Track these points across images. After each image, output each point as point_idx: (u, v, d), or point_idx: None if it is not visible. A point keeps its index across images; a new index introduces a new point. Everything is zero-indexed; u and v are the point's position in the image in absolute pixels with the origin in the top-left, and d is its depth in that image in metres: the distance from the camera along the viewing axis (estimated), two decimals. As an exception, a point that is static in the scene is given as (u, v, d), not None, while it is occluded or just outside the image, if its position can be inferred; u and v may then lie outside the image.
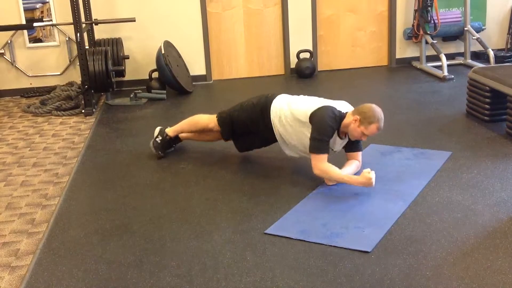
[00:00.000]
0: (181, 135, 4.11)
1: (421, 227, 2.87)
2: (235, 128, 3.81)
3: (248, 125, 3.74)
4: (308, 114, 3.38)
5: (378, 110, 3.35)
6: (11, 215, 3.32)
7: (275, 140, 3.66)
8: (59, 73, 6.36)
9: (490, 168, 3.59)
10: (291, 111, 3.49)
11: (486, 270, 2.47)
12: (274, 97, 3.64)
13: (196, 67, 6.48)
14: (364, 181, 3.25)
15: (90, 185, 3.69)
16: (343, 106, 3.46)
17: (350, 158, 3.53)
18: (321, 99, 3.54)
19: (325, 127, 3.30)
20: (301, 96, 3.67)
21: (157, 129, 4.09)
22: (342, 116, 3.37)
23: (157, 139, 4.03)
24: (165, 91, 5.90)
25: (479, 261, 2.55)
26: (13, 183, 3.82)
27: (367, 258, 2.61)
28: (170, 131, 4.05)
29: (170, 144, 4.08)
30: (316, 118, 3.34)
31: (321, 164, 3.32)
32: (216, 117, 3.86)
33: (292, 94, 3.70)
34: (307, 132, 3.39)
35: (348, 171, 3.42)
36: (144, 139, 4.34)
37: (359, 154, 3.56)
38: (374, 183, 3.24)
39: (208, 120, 3.92)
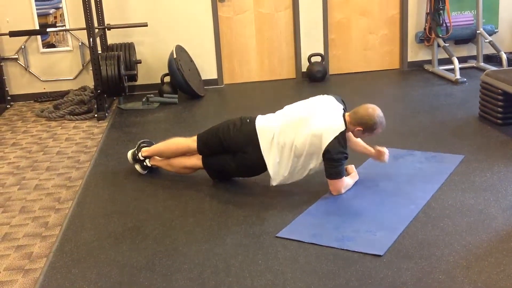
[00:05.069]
0: (156, 162, 3.83)
1: (433, 231, 2.86)
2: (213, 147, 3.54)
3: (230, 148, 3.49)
4: (321, 154, 3.26)
5: (376, 114, 3.28)
6: (25, 219, 3.35)
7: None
8: (72, 78, 6.41)
9: (503, 171, 3.56)
10: (296, 152, 3.32)
11: (499, 274, 2.46)
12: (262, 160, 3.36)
13: (208, 71, 6.50)
14: (376, 152, 3.49)
15: (102, 189, 3.71)
16: (334, 110, 3.32)
17: None
18: (310, 117, 3.32)
19: (341, 157, 3.25)
20: (288, 129, 3.35)
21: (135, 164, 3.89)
22: (345, 129, 3.27)
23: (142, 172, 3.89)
24: (177, 95, 5.92)
25: (493, 265, 2.53)
26: (26, 187, 3.85)
27: (379, 262, 2.61)
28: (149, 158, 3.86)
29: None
30: (331, 154, 3.22)
31: (344, 184, 3.34)
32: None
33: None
34: (315, 160, 3.33)
35: (353, 177, 3.48)
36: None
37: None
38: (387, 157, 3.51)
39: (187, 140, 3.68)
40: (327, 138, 3.21)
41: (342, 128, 3.26)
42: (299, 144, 3.28)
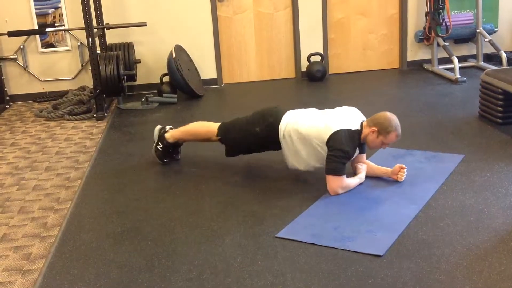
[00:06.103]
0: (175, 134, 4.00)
1: (433, 231, 2.85)
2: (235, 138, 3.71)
3: (249, 137, 3.65)
4: (325, 140, 3.30)
5: (394, 118, 3.33)
6: (24, 219, 3.34)
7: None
8: (71, 78, 6.40)
9: (504, 171, 3.55)
10: (303, 136, 3.40)
11: (500, 274, 2.45)
12: (280, 117, 3.53)
13: (207, 71, 6.49)
14: (395, 168, 3.48)
15: (102, 189, 3.70)
16: (354, 116, 3.43)
17: (355, 160, 3.52)
18: (331, 113, 3.48)
19: (343, 151, 3.25)
20: (310, 112, 3.57)
21: (156, 131, 3.98)
22: (359, 132, 3.34)
23: (158, 146, 3.95)
24: (176, 95, 5.92)
25: (493, 265, 2.52)
26: (25, 187, 3.84)
27: (379, 262, 2.60)
28: (171, 137, 3.94)
29: (173, 150, 4.00)
30: (333, 143, 3.26)
31: (342, 184, 3.32)
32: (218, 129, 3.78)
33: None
34: (322, 151, 3.36)
35: (356, 179, 3.46)
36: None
37: (364, 156, 3.57)
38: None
39: (208, 129, 3.84)
40: (334, 128, 3.29)
41: (354, 127, 3.32)
42: (306, 126, 3.39)
